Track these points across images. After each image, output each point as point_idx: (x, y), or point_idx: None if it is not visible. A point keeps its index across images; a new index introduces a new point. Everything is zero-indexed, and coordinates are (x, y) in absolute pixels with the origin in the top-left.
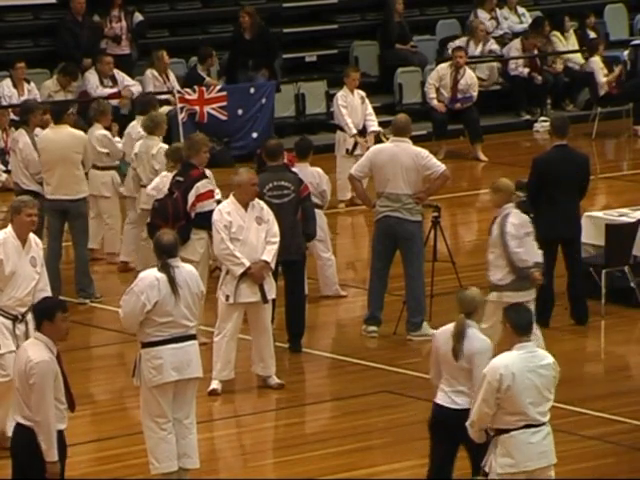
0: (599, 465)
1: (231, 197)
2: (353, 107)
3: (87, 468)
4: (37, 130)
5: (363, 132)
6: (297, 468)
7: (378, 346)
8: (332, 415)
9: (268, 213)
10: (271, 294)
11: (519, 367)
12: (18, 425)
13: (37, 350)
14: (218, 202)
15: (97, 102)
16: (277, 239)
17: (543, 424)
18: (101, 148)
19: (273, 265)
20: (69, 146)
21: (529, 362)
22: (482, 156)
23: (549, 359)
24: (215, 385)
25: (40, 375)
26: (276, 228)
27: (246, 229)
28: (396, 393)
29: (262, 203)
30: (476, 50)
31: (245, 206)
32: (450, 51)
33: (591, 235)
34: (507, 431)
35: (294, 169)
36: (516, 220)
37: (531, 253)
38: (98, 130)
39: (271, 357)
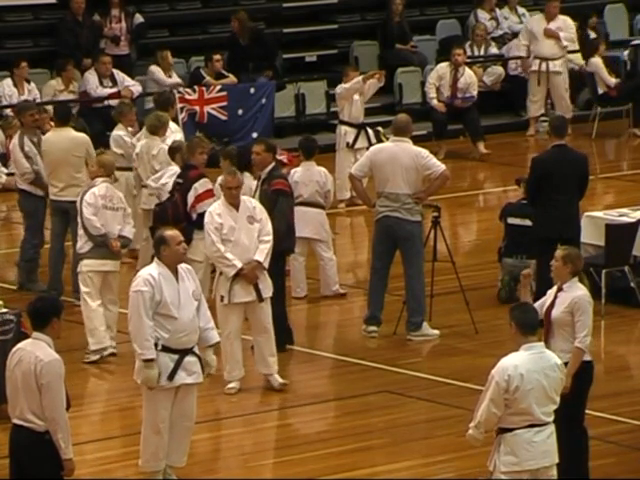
0: (599, 465)
1: (222, 198)
2: (353, 102)
3: (87, 468)
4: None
5: (364, 126)
6: (297, 468)
7: (378, 346)
8: (332, 415)
9: (261, 212)
10: (266, 292)
11: (527, 368)
12: (16, 427)
13: (45, 350)
14: None
15: (118, 103)
16: (270, 237)
17: (547, 423)
18: (116, 148)
19: (267, 264)
20: (69, 149)
21: (537, 363)
22: (484, 149)
23: (557, 360)
24: (233, 384)
25: (53, 374)
26: (269, 227)
27: (237, 230)
28: (396, 393)
29: (254, 201)
30: (478, 54)
31: (236, 206)
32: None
33: (591, 235)
34: (511, 430)
35: (299, 168)
36: (100, 192)
37: (111, 225)
38: (117, 131)
39: (272, 355)
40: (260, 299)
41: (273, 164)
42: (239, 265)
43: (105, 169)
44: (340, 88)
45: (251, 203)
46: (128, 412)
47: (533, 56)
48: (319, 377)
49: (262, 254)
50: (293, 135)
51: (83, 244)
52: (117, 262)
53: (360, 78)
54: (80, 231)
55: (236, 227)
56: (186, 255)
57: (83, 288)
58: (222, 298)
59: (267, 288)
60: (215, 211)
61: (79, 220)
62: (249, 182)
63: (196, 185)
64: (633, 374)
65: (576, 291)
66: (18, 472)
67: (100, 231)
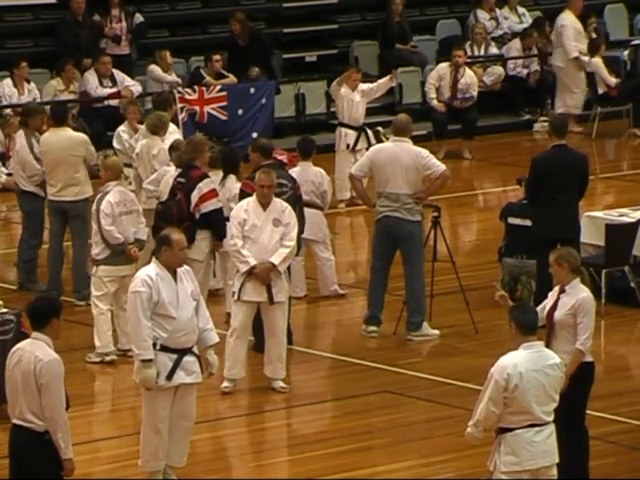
0: (599, 465)
1: (254, 195)
2: (354, 104)
3: (87, 468)
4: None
5: (363, 128)
6: (297, 468)
7: (378, 346)
8: (332, 415)
9: (290, 216)
10: (279, 297)
11: (527, 367)
12: (16, 427)
13: (44, 349)
14: None
15: (125, 101)
16: (292, 243)
17: (547, 423)
18: (115, 144)
19: (282, 268)
20: (67, 149)
21: (537, 361)
22: (467, 154)
23: (556, 359)
24: (226, 383)
25: (52, 374)
26: (294, 233)
27: (259, 229)
28: (396, 393)
29: (285, 205)
30: (478, 54)
31: (265, 206)
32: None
33: (591, 235)
34: (511, 430)
35: (296, 168)
36: (115, 198)
37: (128, 230)
38: (121, 127)
39: (280, 360)
40: (271, 301)
41: (266, 164)
42: (252, 262)
43: (112, 171)
44: (333, 84)
45: (282, 206)
46: (129, 412)
47: (581, 54)
48: (319, 377)
49: (279, 257)
50: (293, 135)
51: (100, 251)
52: (133, 266)
53: (376, 84)
54: (96, 238)
55: (259, 225)
56: (187, 255)
57: (95, 292)
58: (233, 294)
59: (281, 292)
60: (243, 206)
61: (95, 227)
62: (230, 184)
63: (200, 185)
64: (633, 374)
65: (579, 293)
66: (18, 472)
67: (119, 240)
